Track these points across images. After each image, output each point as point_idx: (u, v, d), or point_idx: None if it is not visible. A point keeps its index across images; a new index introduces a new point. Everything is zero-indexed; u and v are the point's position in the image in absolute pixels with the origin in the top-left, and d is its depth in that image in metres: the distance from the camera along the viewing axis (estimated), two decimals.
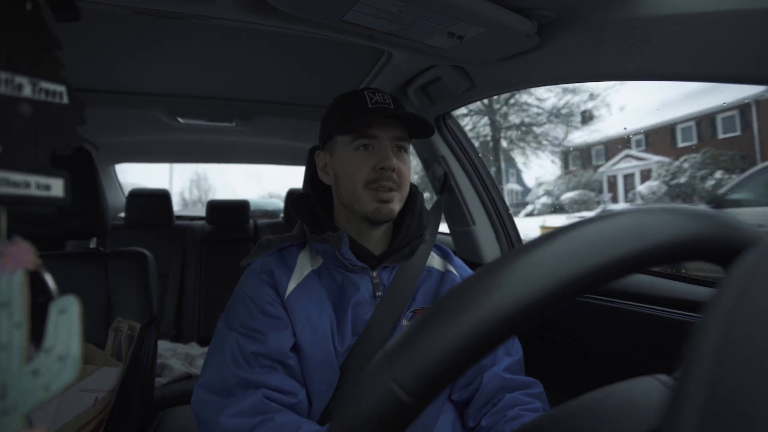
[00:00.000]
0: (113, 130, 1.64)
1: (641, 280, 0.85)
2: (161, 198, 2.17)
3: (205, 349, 1.73)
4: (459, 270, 0.82)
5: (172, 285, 2.02)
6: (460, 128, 1.28)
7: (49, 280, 0.22)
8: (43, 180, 0.21)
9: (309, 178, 0.81)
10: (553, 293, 0.21)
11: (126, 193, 2.19)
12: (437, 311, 0.22)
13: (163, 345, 1.71)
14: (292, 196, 2.31)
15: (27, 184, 0.21)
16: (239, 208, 2.32)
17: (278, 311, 0.68)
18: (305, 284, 0.70)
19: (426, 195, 0.99)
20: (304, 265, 0.73)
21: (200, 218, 2.43)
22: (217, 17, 0.73)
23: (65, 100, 0.23)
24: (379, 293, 0.72)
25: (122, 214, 2.25)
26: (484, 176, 1.27)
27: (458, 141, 1.26)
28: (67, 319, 0.21)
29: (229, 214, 2.30)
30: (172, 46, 0.98)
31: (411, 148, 0.80)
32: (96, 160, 1.04)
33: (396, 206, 0.71)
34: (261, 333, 0.65)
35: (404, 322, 0.71)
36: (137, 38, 0.93)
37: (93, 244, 1.37)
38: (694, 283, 0.79)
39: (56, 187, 0.22)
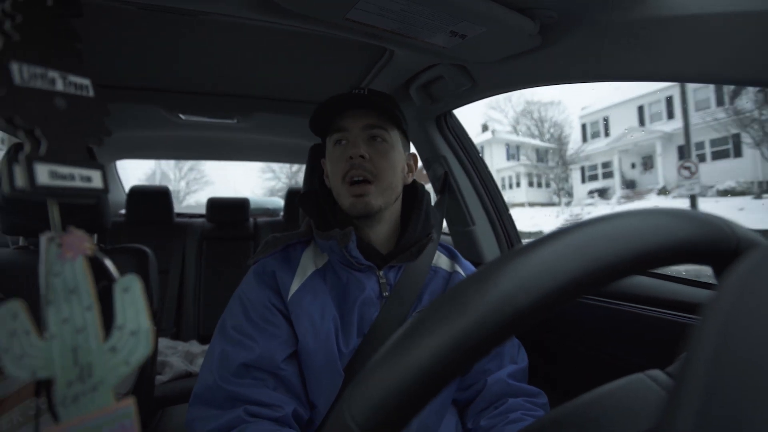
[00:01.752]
0: (115, 126, 1.63)
1: (641, 282, 0.85)
2: (162, 195, 2.17)
3: (206, 347, 1.73)
4: (466, 271, 0.81)
5: (172, 282, 2.03)
6: (461, 128, 1.28)
7: (109, 263, 0.23)
8: (84, 172, 0.22)
9: (317, 175, 0.81)
10: (538, 302, 0.21)
11: (127, 189, 2.19)
12: (396, 340, 0.22)
13: (163, 342, 1.71)
14: (293, 195, 2.32)
15: (72, 177, 0.21)
16: (239, 206, 2.32)
17: (276, 318, 0.66)
18: (308, 285, 0.69)
19: None
20: (307, 265, 0.72)
21: (200, 216, 2.43)
22: (221, 14, 0.73)
23: (91, 93, 0.23)
24: (385, 293, 0.71)
25: (123, 211, 2.25)
26: (484, 176, 1.27)
27: (459, 141, 1.26)
28: (131, 296, 0.22)
29: (228, 212, 2.30)
30: (174, 43, 0.98)
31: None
32: (97, 156, 1.04)
33: (374, 200, 0.68)
34: (252, 339, 0.64)
35: None
36: (139, 34, 0.93)
37: (94, 240, 1.37)
38: (693, 285, 0.79)
39: (96, 179, 0.22)
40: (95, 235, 1.16)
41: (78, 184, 0.21)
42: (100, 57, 1.06)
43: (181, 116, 1.47)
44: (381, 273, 0.72)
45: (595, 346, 0.89)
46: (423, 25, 0.70)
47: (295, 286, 0.68)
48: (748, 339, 0.16)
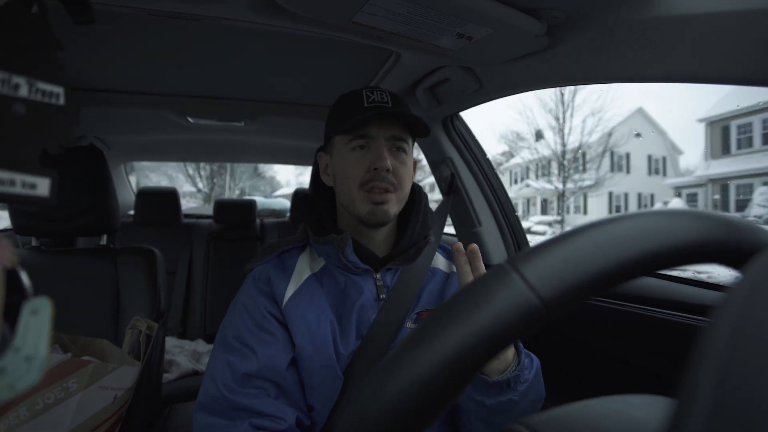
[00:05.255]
0: (124, 129, 1.66)
1: (649, 284, 0.84)
2: (169, 196, 2.20)
3: (211, 346, 1.74)
4: None
5: (179, 282, 2.05)
6: (468, 129, 1.27)
7: (25, 278, 0.22)
8: (29, 179, 0.21)
9: (313, 178, 0.81)
10: (564, 295, 0.21)
11: (135, 191, 2.22)
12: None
13: (170, 341, 1.73)
14: (299, 195, 2.33)
15: (12, 182, 0.21)
16: (246, 207, 2.34)
17: (273, 326, 0.66)
18: (303, 290, 0.69)
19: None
20: (303, 270, 0.72)
21: (208, 217, 2.46)
22: (228, 18, 0.74)
23: (62, 101, 0.23)
24: (383, 295, 0.71)
25: (132, 212, 2.28)
26: (491, 178, 1.26)
27: (465, 142, 1.26)
28: (38, 320, 0.20)
29: (235, 213, 2.32)
30: (182, 47, 0.99)
31: (419, 149, 0.79)
32: (107, 158, 1.05)
33: (392, 208, 0.69)
34: (252, 349, 0.64)
35: (408, 324, 0.70)
36: (148, 39, 0.95)
37: (103, 241, 1.39)
38: (702, 286, 0.78)
39: (42, 187, 0.22)
40: (104, 236, 1.18)
41: (17, 190, 0.21)
42: (110, 62, 1.07)
43: (190, 119, 1.49)
44: (378, 276, 0.72)
45: (600, 347, 0.89)
46: (429, 27, 0.70)
47: (290, 292, 0.68)
48: (761, 338, 0.16)
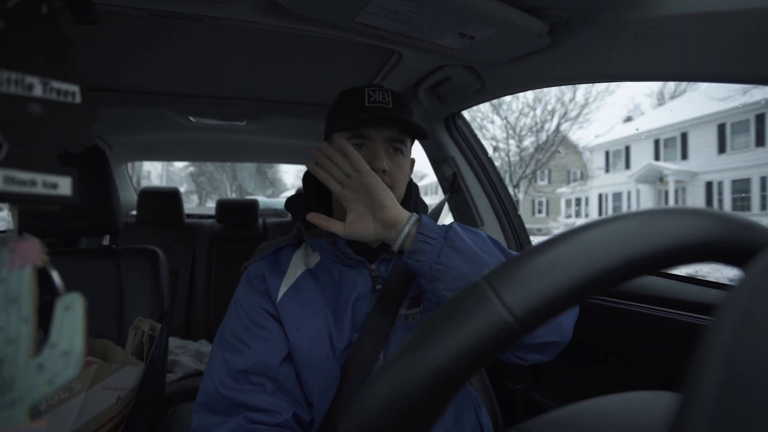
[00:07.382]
0: (126, 129, 1.66)
1: (652, 282, 0.84)
2: (172, 196, 2.20)
3: None
4: None
5: (182, 282, 2.05)
6: (470, 128, 1.27)
7: (56, 276, 0.23)
8: (50, 178, 0.21)
9: (306, 173, 0.80)
10: (559, 297, 0.21)
11: (138, 191, 2.23)
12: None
13: (173, 342, 1.73)
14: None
15: (33, 183, 0.21)
16: (248, 207, 2.34)
17: (267, 322, 0.67)
18: (298, 286, 0.69)
19: None
20: (297, 266, 0.72)
21: (210, 217, 2.46)
22: (231, 18, 0.74)
23: (78, 99, 0.22)
24: (378, 286, 0.71)
25: (134, 212, 2.29)
26: (493, 177, 1.26)
27: (467, 141, 1.26)
28: (71, 315, 0.21)
29: (238, 213, 2.32)
30: (184, 47, 0.99)
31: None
32: (109, 158, 1.05)
33: None
34: (247, 345, 0.65)
35: (402, 311, 0.70)
36: (150, 39, 0.95)
37: (106, 242, 1.39)
38: (705, 285, 0.78)
39: (63, 186, 0.22)
40: (107, 236, 1.18)
41: (39, 190, 0.21)
42: (111, 62, 1.07)
43: (191, 119, 1.49)
44: (373, 267, 0.72)
45: (601, 347, 0.88)
46: (431, 26, 0.70)
47: (284, 288, 0.69)
48: (764, 339, 0.16)
